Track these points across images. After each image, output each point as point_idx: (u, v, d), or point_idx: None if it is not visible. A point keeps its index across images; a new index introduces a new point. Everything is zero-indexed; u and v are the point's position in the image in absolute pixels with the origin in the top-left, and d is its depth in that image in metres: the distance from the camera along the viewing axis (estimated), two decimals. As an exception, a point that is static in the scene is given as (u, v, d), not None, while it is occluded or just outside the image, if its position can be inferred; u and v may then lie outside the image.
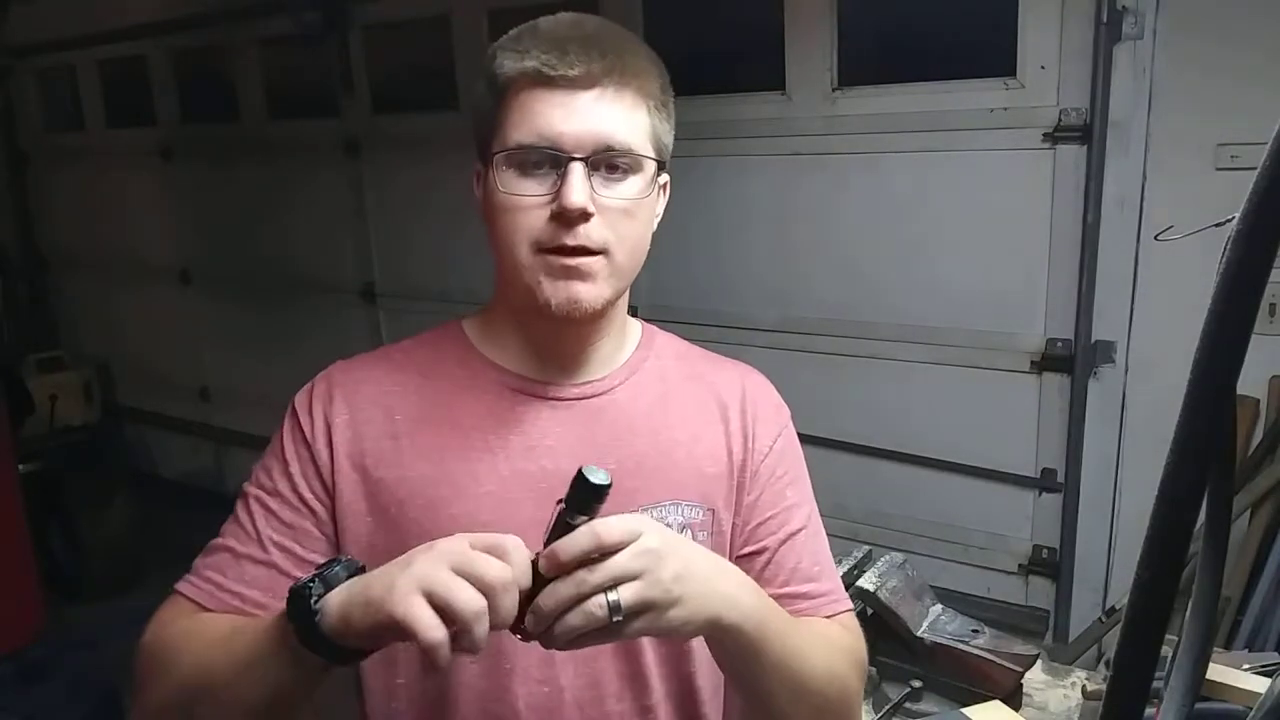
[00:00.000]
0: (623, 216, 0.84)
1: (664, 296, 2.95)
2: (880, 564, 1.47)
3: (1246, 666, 1.10)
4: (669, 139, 0.90)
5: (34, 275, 5.33)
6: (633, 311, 1.00)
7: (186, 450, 4.77)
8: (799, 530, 0.95)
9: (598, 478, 0.68)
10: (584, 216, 0.80)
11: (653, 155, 0.86)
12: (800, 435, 1.03)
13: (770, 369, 1.05)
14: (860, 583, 1.40)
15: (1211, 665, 0.87)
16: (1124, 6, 2.20)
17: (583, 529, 0.68)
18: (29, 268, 5.31)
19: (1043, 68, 2.35)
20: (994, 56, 2.42)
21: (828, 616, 0.94)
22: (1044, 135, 2.37)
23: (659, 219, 0.93)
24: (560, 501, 0.70)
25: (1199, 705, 0.91)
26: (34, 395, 4.05)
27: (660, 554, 0.70)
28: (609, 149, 0.82)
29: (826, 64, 2.65)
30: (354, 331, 3.87)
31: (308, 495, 0.88)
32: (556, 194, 0.80)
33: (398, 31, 3.60)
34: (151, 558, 3.86)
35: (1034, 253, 2.44)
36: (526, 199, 0.82)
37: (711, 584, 0.74)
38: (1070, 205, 2.36)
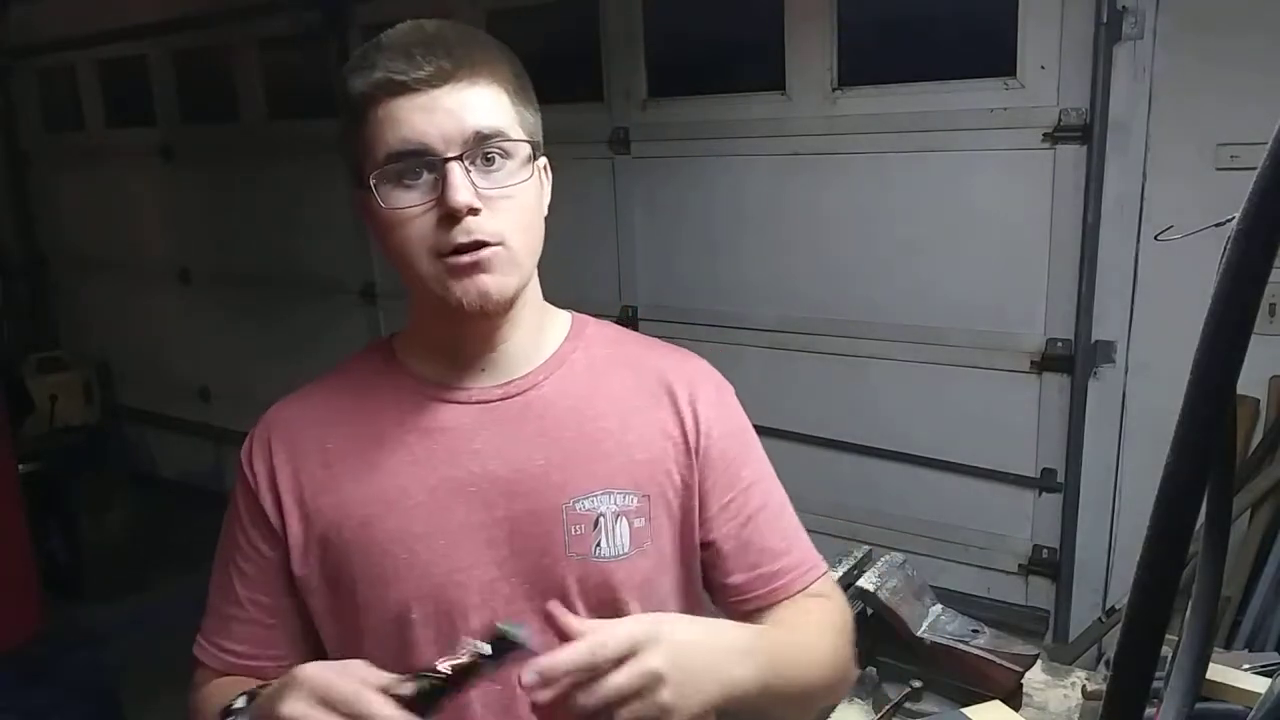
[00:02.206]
0: (508, 203, 0.84)
1: (663, 297, 2.95)
2: (880, 564, 1.46)
3: (1246, 666, 1.10)
4: (536, 123, 0.89)
5: (34, 275, 5.32)
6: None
7: (186, 450, 4.76)
8: (760, 509, 0.95)
9: (517, 634, 0.70)
10: (472, 212, 0.81)
11: (524, 138, 0.86)
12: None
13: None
14: (860, 583, 1.40)
15: (1211, 665, 0.87)
16: (1124, 6, 2.20)
17: (581, 643, 0.70)
18: (29, 268, 5.31)
19: (1043, 68, 2.35)
20: (994, 56, 2.42)
21: (802, 590, 0.95)
22: (1044, 135, 2.37)
23: (548, 199, 0.92)
24: (471, 648, 0.72)
25: (1199, 705, 0.91)
26: (34, 395, 4.06)
27: (661, 675, 0.71)
28: (479, 140, 0.82)
29: (826, 64, 2.65)
30: (354, 331, 3.87)
31: (262, 547, 0.92)
32: (439, 197, 0.81)
33: (398, 31, 3.60)
34: (151, 558, 3.86)
35: (1034, 252, 2.44)
36: (411, 210, 0.82)
37: (711, 675, 0.76)
38: (1070, 205, 2.36)
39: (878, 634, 1.38)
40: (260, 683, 0.82)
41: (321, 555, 0.89)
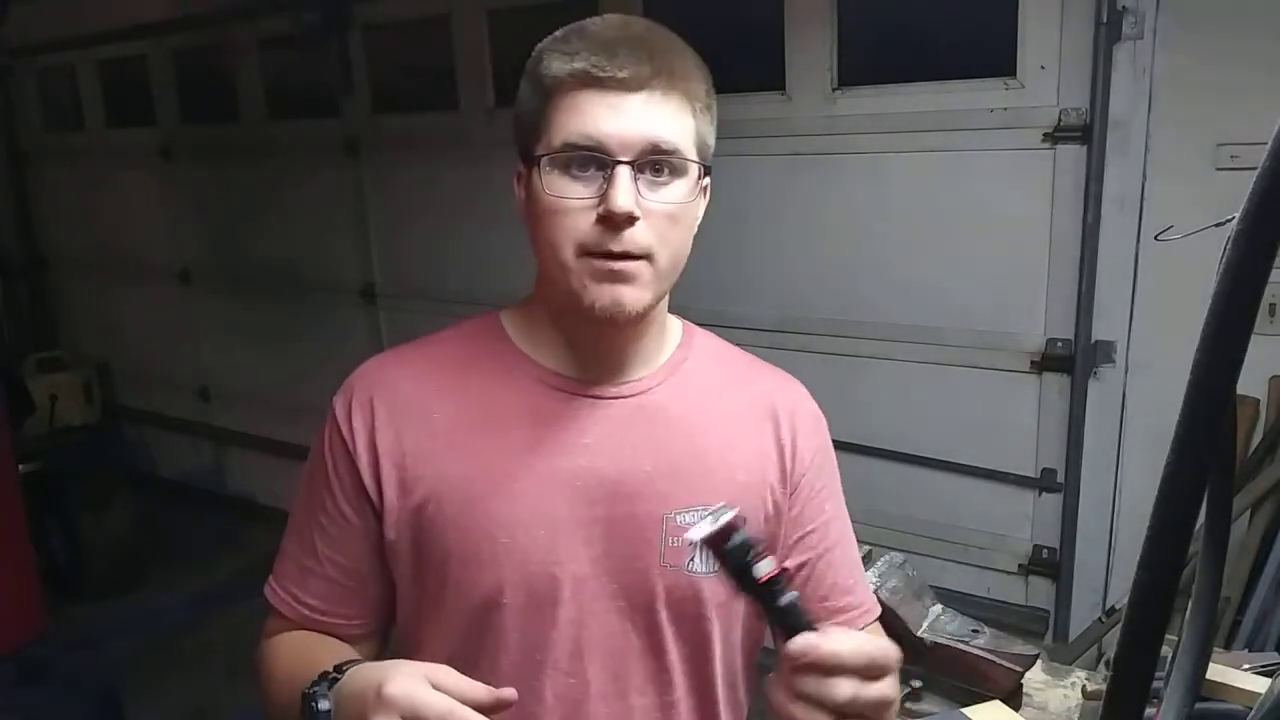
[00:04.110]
0: (667, 221, 0.83)
1: (664, 296, 2.94)
2: (880, 564, 1.47)
3: (1246, 666, 1.10)
4: (712, 141, 0.89)
5: (34, 275, 5.32)
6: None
7: (186, 450, 4.76)
8: (836, 544, 0.98)
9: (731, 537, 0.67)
10: (630, 220, 0.80)
11: (697, 159, 0.85)
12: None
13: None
14: (860, 583, 1.40)
15: (1211, 665, 0.87)
16: (1124, 6, 2.20)
17: (854, 644, 0.69)
18: (29, 268, 5.31)
19: (1043, 68, 2.35)
20: (994, 56, 2.42)
21: (864, 627, 0.98)
22: (1044, 135, 2.37)
23: (699, 220, 0.91)
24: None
25: (1199, 705, 0.91)
26: (34, 395, 4.05)
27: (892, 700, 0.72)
28: (655, 151, 0.81)
29: (826, 64, 2.65)
30: (354, 331, 3.87)
31: (347, 511, 0.90)
32: (602, 197, 0.80)
33: (398, 31, 3.60)
34: (151, 557, 3.87)
35: (1034, 253, 2.44)
36: (572, 201, 0.81)
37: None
38: (1070, 205, 2.36)
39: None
40: (337, 662, 0.78)
41: (415, 525, 0.88)
